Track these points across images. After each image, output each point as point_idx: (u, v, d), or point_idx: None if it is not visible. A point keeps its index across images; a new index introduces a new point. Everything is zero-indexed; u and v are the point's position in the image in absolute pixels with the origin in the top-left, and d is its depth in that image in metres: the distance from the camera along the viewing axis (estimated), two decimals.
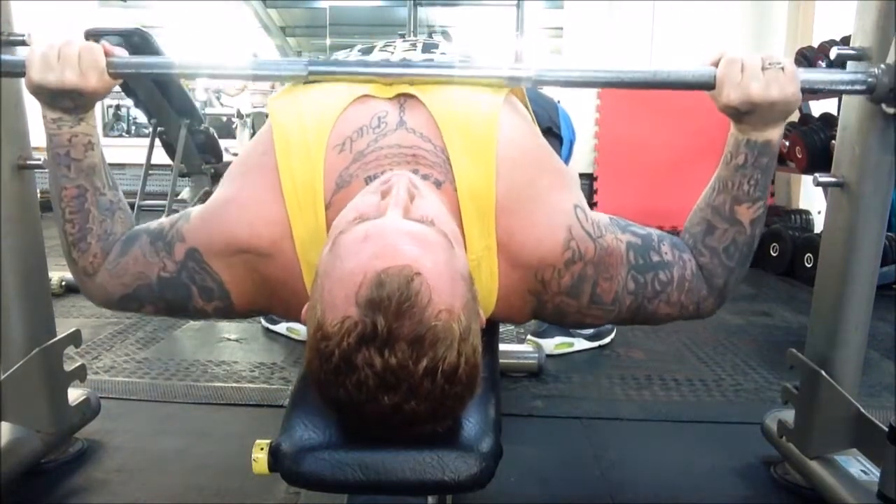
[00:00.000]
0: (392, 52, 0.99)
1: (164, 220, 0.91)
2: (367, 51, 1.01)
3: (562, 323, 0.93)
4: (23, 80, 0.84)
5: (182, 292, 0.86)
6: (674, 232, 0.90)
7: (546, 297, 0.85)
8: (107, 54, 0.84)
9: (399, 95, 0.87)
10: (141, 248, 0.87)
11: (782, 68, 0.79)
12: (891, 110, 0.93)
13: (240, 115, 6.03)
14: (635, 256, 0.85)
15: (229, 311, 0.89)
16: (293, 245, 0.82)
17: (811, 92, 0.85)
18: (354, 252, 0.64)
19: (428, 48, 0.98)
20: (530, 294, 0.85)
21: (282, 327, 2.03)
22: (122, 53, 0.87)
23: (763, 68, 0.79)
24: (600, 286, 0.84)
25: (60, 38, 0.83)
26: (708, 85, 0.83)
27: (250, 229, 0.83)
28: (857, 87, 0.91)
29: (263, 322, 2.09)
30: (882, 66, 0.90)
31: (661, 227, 0.92)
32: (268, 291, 0.86)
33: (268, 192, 0.83)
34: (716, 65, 0.82)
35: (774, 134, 0.83)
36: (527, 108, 1.02)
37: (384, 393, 0.60)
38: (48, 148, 0.87)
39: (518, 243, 0.82)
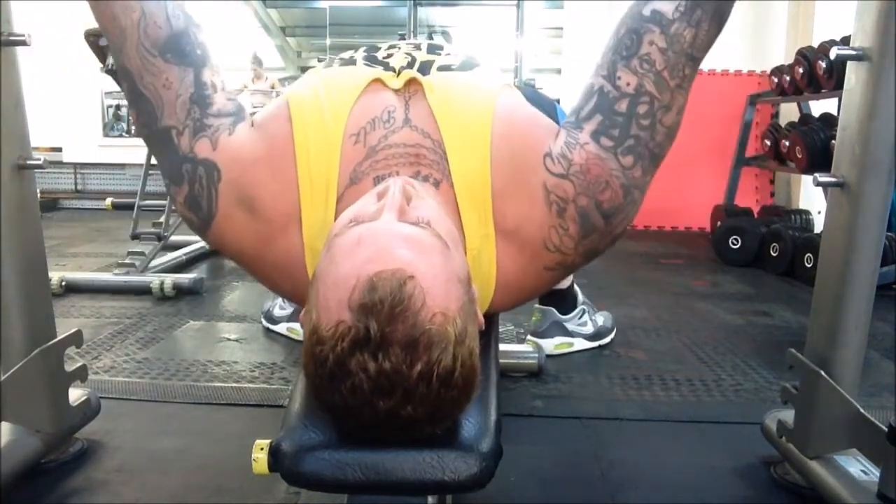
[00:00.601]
0: (397, 51, 0.99)
1: (218, 85, 0.86)
2: (372, 50, 1.02)
3: (598, 254, 0.87)
4: (22, 80, 0.84)
5: (171, 171, 0.84)
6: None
7: (571, 257, 0.84)
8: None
9: (405, 86, 0.88)
10: (181, 82, 0.82)
11: None
12: None
13: None
14: (608, 136, 0.82)
15: (199, 230, 0.87)
16: (300, 228, 0.82)
17: None
18: (348, 256, 0.64)
19: (432, 49, 0.98)
20: (547, 269, 0.85)
21: (282, 327, 2.03)
22: None
23: None
24: (605, 202, 0.82)
25: None
26: None
27: (271, 200, 0.82)
28: None
29: (264, 322, 2.09)
30: None
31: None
32: (250, 254, 0.86)
33: (286, 169, 0.83)
34: None
35: None
36: None
37: (379, 397, 0.60)
38: None
39: (514, 225, 0.82)
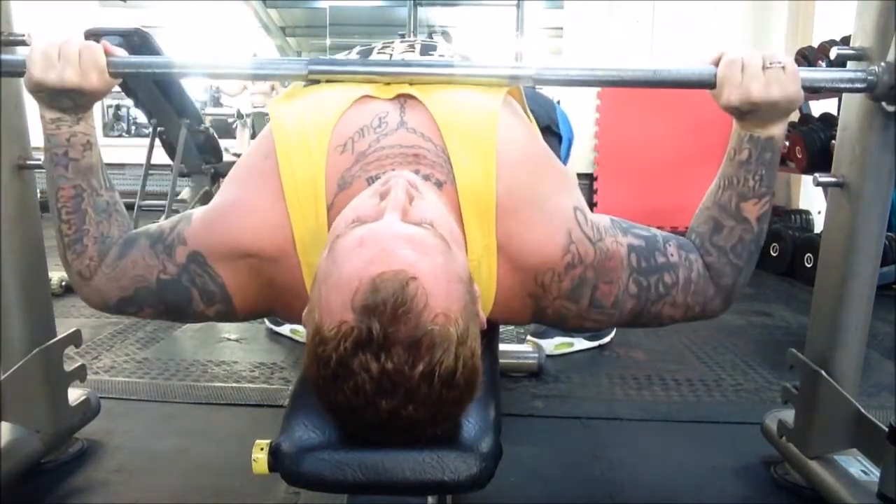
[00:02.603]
0: (391, 53, 0.99)
1: (163, 223, 0.91)
2: (366, 52, 1.01)
3: (562, 326, 0.93)
4: (23, 80, 0.84)
5: (183, 295, 0.86)
6: (675, 232, 0.89)
7: (546, 301, 0.85)
8: (107, 53, 0.84)
9: (399, 96, 0.87)
10: (140, 251, 0.87)
11: (783, 67, 0.79)
12: (891, 108, 0.93)
13: (240, 116, 6.03)
14: (637, 259, 0.85)
15: (230, 315, 0.88)
16: (294, 248, 0.82)
17: (812, 91, 0.86)
18: (350, 257, 0.64)
19: (426, 49, 0.98)
20: (530, 297, 0.85)
21: (285, 329, 2.03)
22: (122, 53, 0.87)
23: (764, 67, 0.79)
24: (600, 290, 0.84)
25: (61, 36, 0.83)
26: (708, 84, 0.83)
27: (253, 234, 0.83)
28: (858, 85, 0.91)
29: (268, 323, 2.09)
30: (882, 63, 0.90)
31: (661, 227, 0.92)
32: (270, 295, 0.86)
33: (270, 197, 0.82)
34: (716, 64, 0.82)
35: (777, 130, 0.83)
36: (524, 109, 1.02)
37: (381, 398, 0.60)
38: (46, 148, 0.87)
39: (517, 246, 0.82)
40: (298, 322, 0.76)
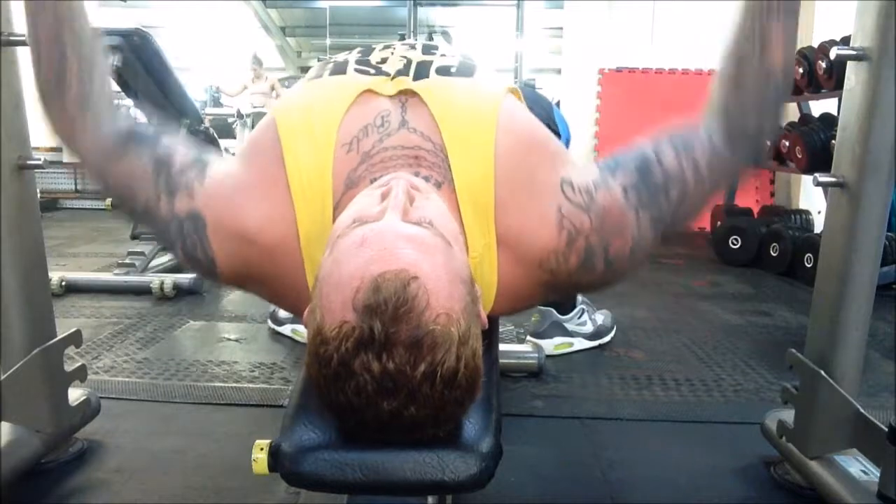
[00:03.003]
0: (391, 53, 0.99)
1: (175, 149, 0.87)
2: (367, 52, 1.01)
3: (592, 292, 0.90)
4: (22, 80, 0.84)
5: (162, 237, 0.85)
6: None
7: (560, 282, 0.84)
8: None
9: (400, 93, 0.87)
10: (140, 164, 0.83)
11: None
12: None
13: (240, 116, 6.03)
14: (637, 194, 0.82)
15: (209, 278, 0.88)
16: (298, 242, 0.82)
17: None
18: (352, 256, 0.64)
19: (427, 50, 0.98)
20: (540, 287, 0.84)
21: (286, 329, 2.03)
22: None
23: None
24: (612, 247, 0.82)
25: None
26: None
27: (261, 222, 0.82)
28: None
29: (270, 323, 2.09)
30: None
31: None
32: (258, 278, 0.86)
33: (276, 188, 0.82)
34: None
35: None
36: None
37: (383, 398, 0.60)
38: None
39: (515, 238, 0.82)
40: (292, 310, 0.76)
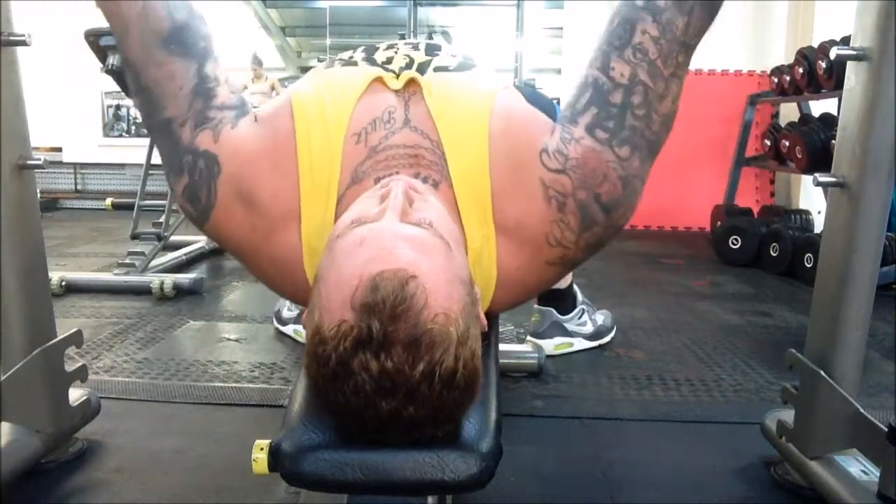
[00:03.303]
0: (395, 53, 0.99)
1: (223, 79, 0.86)
2: (371, 51, 1.02)
3: (605, 243, 0.87)
4: (22, 80, 0.84)
5: (172, 160, 0.84)
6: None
7: (570, 251, 0.84)
8: None
9: (404, 88, 0.88)
10: (184, 76, 0.82)
11: None
12: None
13: None
14: (603, 129, 0.82)
15: (196, 220, 0.87)
16: (298, 226, 0.82)
17: None
18: (350, 256, 0.64)
19: (431, 50, 0.98)
20: (549, 265, 0.85)
21: (289, 329, 2.03)
22: None
23: None
24: (603, 194, 0.82)
25: None
26: None
27: (269, 194, 0.83)
28: None
29: (274, 322, 2.09)
30: None
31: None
32: (247, 247, 0.86)
33: (285, 165, 0.83)
34: None
35: None
36: None
37: (382, 398, 0.60)
38: None
39: (514, 222, 0.82)
40: (280, 293, 0.74)
